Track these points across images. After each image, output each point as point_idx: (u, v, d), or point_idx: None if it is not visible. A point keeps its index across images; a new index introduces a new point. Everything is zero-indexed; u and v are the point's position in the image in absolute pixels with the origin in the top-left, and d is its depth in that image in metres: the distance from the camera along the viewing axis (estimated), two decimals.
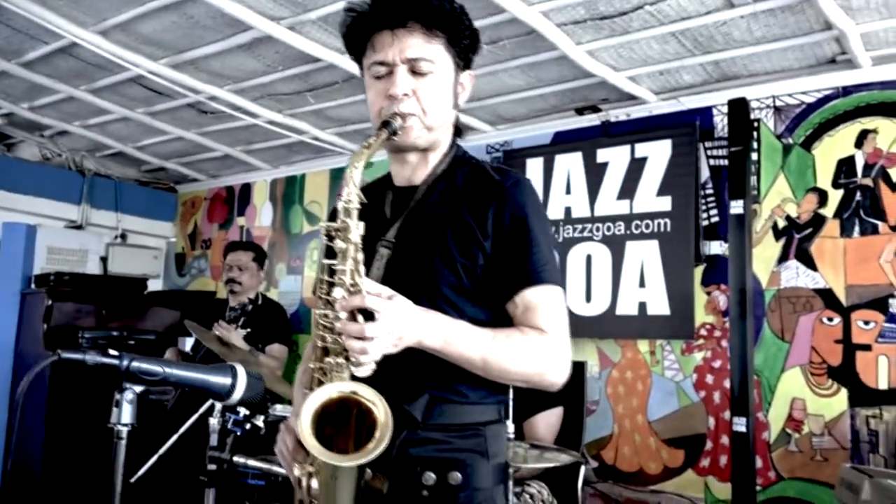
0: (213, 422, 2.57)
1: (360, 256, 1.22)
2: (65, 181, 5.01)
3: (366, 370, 1.18)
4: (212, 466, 2.55)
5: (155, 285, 5.46)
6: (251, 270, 3.75)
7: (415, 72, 1.34)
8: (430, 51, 1.34)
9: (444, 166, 1.44)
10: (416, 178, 1.44)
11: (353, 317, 1.17)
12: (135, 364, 1.07)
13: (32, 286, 4.36)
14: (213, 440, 2.57)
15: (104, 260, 5.15)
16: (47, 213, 4.90)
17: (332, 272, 1.21)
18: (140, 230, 5.52)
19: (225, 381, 1.15)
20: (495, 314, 1.35)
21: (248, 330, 3.53)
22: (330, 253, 1.24)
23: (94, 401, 3.78)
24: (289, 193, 5.03)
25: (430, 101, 1.35)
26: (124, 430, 1.05)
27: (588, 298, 3.56)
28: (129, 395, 1.06)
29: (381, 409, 1.13)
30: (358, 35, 1.38)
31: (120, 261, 5.21)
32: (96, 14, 2.93)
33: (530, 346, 1.29)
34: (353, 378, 1.19)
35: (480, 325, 1.29)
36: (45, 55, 3.37)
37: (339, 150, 4.53)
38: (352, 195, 1.23)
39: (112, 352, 1.06)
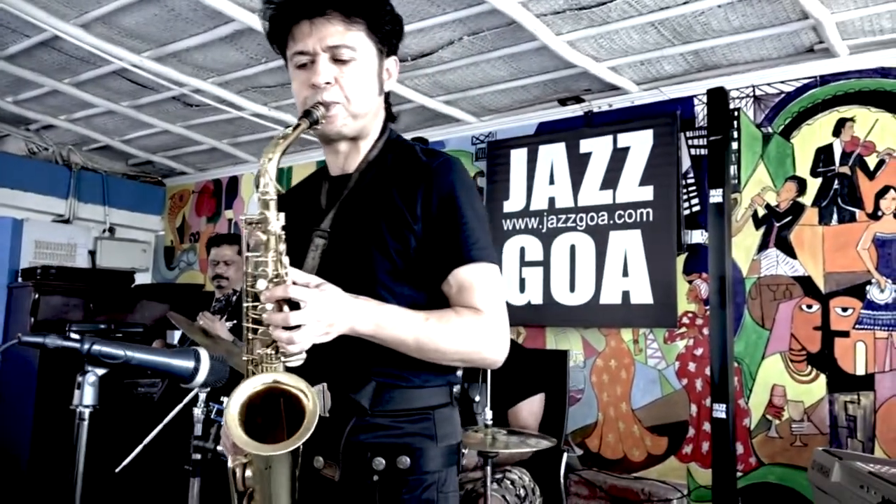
0: (198, 412, 2.59)
1: (283, 247, 1.20)
2: (52, 175, 5.01)
3: (296, 360, 1.19)
4: (196, 456, 2.57)
5: (144, 279, 5.47)
6: (236, 264, 3.75)
7: (336, 59, 1.33)
8: (351, 38, 1.33)
9: (376, 152, 1.44)
10: (348, 167, 1.44)
11: (279, 307, 1.16)
12: (96, 347, 1.08)
13: (19, 280, 4.36)
14: (198, 430, 2.58)
15: (92, 254, 5.16)
16: (34, 207, 4.91)
17: (255, 265, 1.19)
18: (128, 224, 5.53)
19: (188, 364, 1.17)
20: (433, 297, 1.34)
21: (234, 322, 3.54)
22: (252, 246, 1.22)
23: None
24: None
25: (354, 88, 1.35)
26: (86, 412, 1.06)
27: (572, 288, 3.58)
28: (90, 378, 1.07)
29: (308, 397, 1.13)
30: (278, 26, 1.37)
31: (108, 255, 5.22)
32: (77, 6, 2.93)
33: (464, 326, 1.28)
34: (287, 369, 1.18)
35: (419, 308, 1.29)
36: (28, 48, 3.36)
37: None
38: (269, 186, 1.21)
39: (73, 335, 1.07)
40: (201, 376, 1.17)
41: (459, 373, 2.54)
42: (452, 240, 1.32)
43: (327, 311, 1.17)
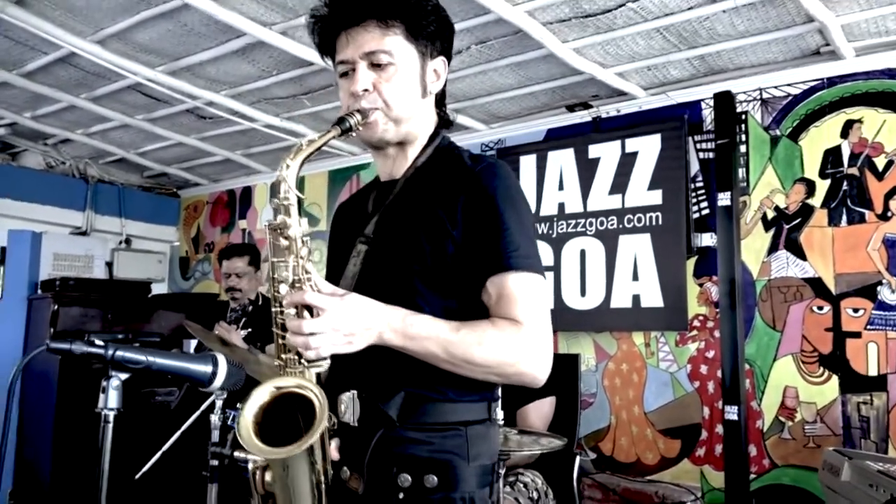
0: (215, 418, 2.63)
1: (305, 252, 1.20)
2: (69, 188, 5.10)
3: (318, 366, 1.18)
4: (214, 462, 2.60)
5: (160, 289, 5.55)
6: (249, 274, 3.80)
7: (375, 65, 1.32)
8: (388, 43, 1.32)
9: (425, 159, 1.40)
10: (396, 173, 1.41)
11: (300, 314, 1.16)
12: (119, 353, 1.12)
13: (39, 291, 4.44)
14: (215, 436, 2.62)
15: (110, 265, 5.24)
16: (53, 220, 5.00)
17: (279, 270, 1.20)
18: (144, 235, 5.61)
19: (206, 369, 1.21)
20: (472, 307, 1.28)
21: (249, 330, 3.59)
22: (277, 252, 1.22)
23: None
24: None
25: (393, 93, 1.32)
26: (111, 415, 1.11)
27: (583, 293, 3.60)
28: (114, 382, 1.12)
29: (317, 399, 1.14)
30: (323, 39, 1.39)
31: (125, 266, 5.30)
32: (93, 24, 3.00)
33: (499, 338, 1.21)
34: (317, 376, 1.20)
35: (456, 318, 1.23)
36: (45, 65, 3.44)
37: (337, 152, 4.60)
38: (289, 192, 1.20)
39: (97, 342, 1.12)
40: (219, 380, 1.21)
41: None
42: (491, 246, 1.25)
43: (346, 321, 1.16)
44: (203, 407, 2.73)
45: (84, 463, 3.94)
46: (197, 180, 5.56)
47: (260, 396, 1.15)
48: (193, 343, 4.38)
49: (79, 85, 3.71)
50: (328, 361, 1.19)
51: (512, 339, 1.21)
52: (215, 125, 4.24)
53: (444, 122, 1.47)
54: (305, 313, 1.16)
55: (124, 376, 1.13)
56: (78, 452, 4.01)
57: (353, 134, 1.30)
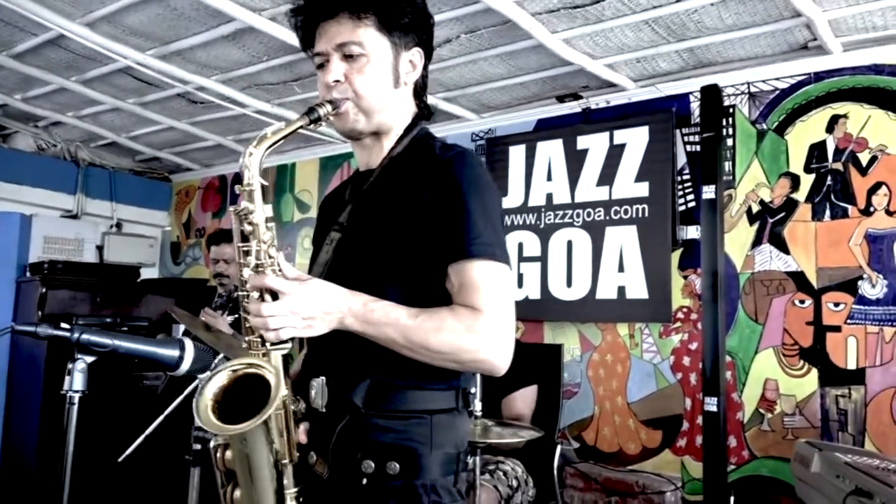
0: None
1: (269, 237, 1.24)
2: (60, 171, 5.09)
3: (280, 348, 1.23)
4: (197, 446, 2.63)
5: (151, 273, 5.56)
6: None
7: (346, 56, 1.35)
8: (359, 35, 1.35)
9: (401, 149, 1.42)
10: (373, 163, 1.44)
11: (262, 297, 1.20)
12: (84, 336, 1.14)
13: (27, 274, 4.44)
14: (198, 421, 2.64)
15: (100, 249, 5.24)
16: (43, 203, 4.99)
17: (245, 254, 1.24)
18: (135, 219, 5.61)
19: (173, 353, 1.23)
20: (437, 295, 1.29)
21: (236, 316, 3.60)
22: (242, 237, 1.26)
23: (97, 396, 3.88)
24: (280, 182, 5.10)
25: (364, 84, 1.35)
26: (76, 397, 1.13)
27: (569, 283, 3.63)
28: (80, 365, 1.14)
29: (272, 379, 1.18)
30: (304, 33, 1.43)
31: (116, 250, 5.30)
32: (82, 6, 2.99)
33: (457, 326, 1.22)
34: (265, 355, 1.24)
35: (422, 305, 1.25)
36: (36, 47, 3.43)
37: (329, 139, 4.60)
38: (253, 179, 1.24)
39: (63, 325, 1.14)
40: (186, 364, 1.23)
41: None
42: (454, 233, 1.26)
43: (305, 305, 1.19)
44: (186, 392, 2.74)
45: (74, 448, 3.96)
46: (189, 165, 5.56)
47: (219, 378, 1.19)
48: (182, 328, 4.39)
49: (69, 67, 3.71)
50: (290, 344, 1.22)
51: (470, 326, 1.22)
52: (206, 110, 4.24)
53: (423, 113, 1.49)
54: (268, 297, 1.20)
55: (90, 359, 1.15)
56: (64, 436, 4.03)
57: (323, 123, 1.34)
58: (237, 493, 1.31)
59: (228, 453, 1.30)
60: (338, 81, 1.35)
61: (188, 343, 1.26)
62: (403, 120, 1.45)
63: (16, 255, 4.49)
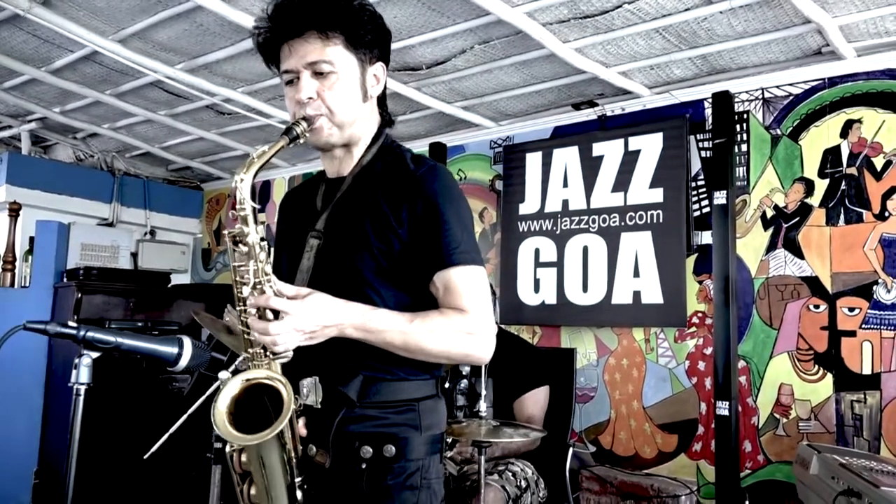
0: None
1: (263, 256, 1.32)
2: (97, 181, 5.29)
3: (283, 358, 1.33)
4: (217, 445, 2.74)
5: (183, 279, 5.72)
6: None
7: (317, 73, 1.42)
8: (329, 53, 1.41)
9: (370, 157, 1.52)
10: (343, 171, 1.54)
11: (262, 314, 1.29)
12: (90, 334, 1.25)
13: (64, 280, 4.63)
14: (217, 431, 2.74)
15: (134, 256, 5.42)
16: (81, 211, 5.19)
17: (241, 274, 1.32)
18: (168, 227, 5.79)
19: (171, 350, 1.34)
20: (420, 298, 1.43)
21: None
22: (238, 257, 1.34)
23: (128, 397, 4.04)
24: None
25: (335, 100, 1.43)
26: (82, 389, 1.24)
27: (585, 288, 3.66)
28: (86, 360, 1.25)
29: (284, 389, 1.26)
30: (267, 51, 1.49)
31: (149, 256, 5.47)
32: (114, 23, 3.14)
33: (449, 327, 1.37)
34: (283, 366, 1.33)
35: (405, 307, 1.40)
36: (72, 62, 3.60)
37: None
38: (245, 202, 1.31)
39: (71, 323, 1.25)
40: (184, 361, 1.33)
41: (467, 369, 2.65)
42: (435, 245, 1.39)
43: (309, 322, 1.30)
44: (208, 392, 2.85)
45: (103, 446, 4.10)
46: (219, 174, 5.73)
47: (232, 388, 1.27)
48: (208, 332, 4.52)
49: (103, 81, 3.87)
50: (291, 354, 1.33)
51: (460, 327, 1.38)
52: (234, 121, 4.38)
53: (387, 122, 1.59)
54: (269, 314, 1.29)
55: (95, 355, 1.25)
56: (102, 449, 4.18)
57: (301, 141, 1.42)
58: (253, 490, 1.42)
59: (244, 456, 1.40)
60: (311, 98, 1.42)
61: (187, 341, 1.36)
62: (370, 129, 1.55)
63: (54, 262, 4.67)
